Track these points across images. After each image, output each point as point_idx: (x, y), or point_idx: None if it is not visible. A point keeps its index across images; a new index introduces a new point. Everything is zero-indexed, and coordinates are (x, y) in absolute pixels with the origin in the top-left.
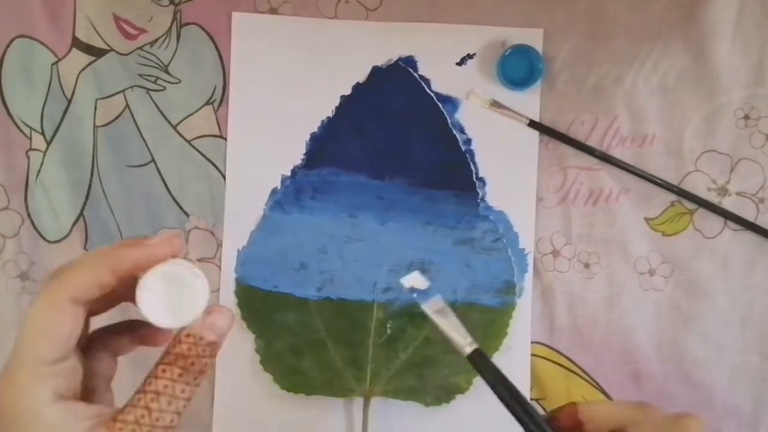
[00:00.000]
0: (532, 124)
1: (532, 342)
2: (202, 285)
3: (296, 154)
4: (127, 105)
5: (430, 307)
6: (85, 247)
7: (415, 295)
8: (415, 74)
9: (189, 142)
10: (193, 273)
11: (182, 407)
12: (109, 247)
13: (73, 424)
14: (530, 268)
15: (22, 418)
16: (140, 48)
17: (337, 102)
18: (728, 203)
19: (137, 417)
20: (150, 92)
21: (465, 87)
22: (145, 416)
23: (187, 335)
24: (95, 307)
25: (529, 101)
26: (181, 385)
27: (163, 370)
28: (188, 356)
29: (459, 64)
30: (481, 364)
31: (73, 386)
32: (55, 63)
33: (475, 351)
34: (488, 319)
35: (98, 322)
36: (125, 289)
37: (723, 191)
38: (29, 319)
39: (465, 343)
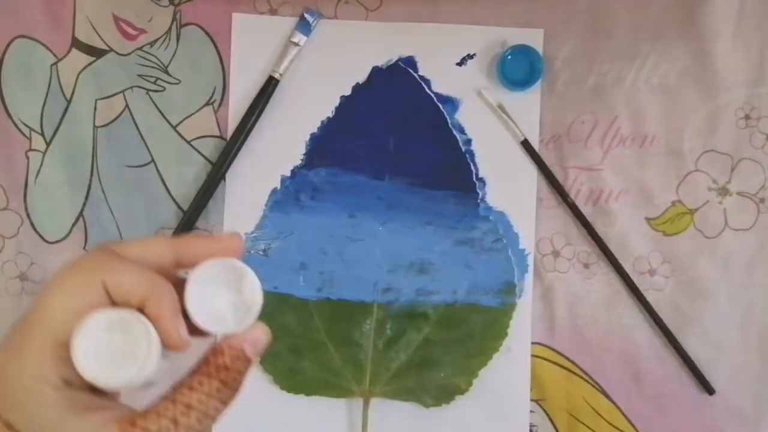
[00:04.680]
0: (525, 143)
1: (532, 343)
2: (259, 292)
3: (296, 155)
4: (127, 105)
5: None
6: (84, 248)
7: None
8: (415, 74)
9: (189, 142)
10: (253, 277)
11: (209, 428)
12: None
13: (79, 416)
14: (530, 268)
15: (23, 398)
16: (140, 48)
17: (336, 102)
18: (729, 203)
19: (161, 428)
20: (150, 93)
21: (465, 87)
22: (170, 430)
23: (230, 346)
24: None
25: (530, 101)
26: (216, 402)
27: (200, 383)
28: (230, 369)
29: (459, 64)
30: None
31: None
32: (55, 63)
33: None
34: (488, 320)
35: None
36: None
37: (723, 191)
38: (56, 288)
39: None
